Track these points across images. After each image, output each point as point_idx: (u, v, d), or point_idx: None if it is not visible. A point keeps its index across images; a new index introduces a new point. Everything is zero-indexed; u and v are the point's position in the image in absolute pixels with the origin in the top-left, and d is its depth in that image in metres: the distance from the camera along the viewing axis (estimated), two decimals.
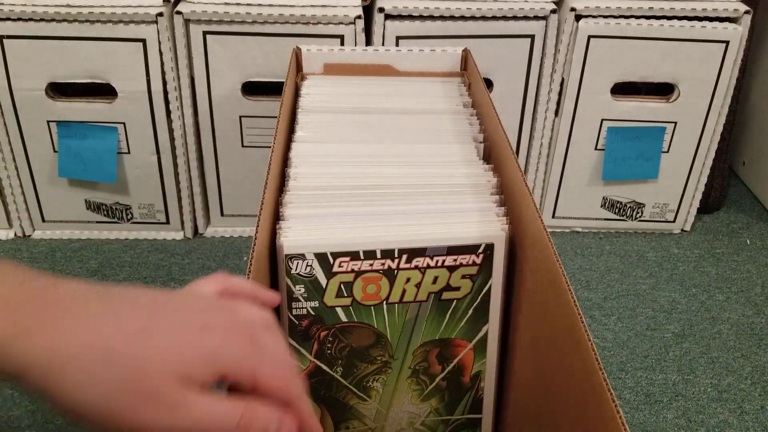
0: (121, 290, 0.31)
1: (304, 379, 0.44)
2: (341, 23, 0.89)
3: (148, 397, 0.28)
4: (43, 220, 1.03)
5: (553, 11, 0.93)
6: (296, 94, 0.69)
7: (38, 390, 0.27)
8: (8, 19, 0.87)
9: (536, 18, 0.93)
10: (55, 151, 0.96)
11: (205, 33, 0.89)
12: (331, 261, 0.48)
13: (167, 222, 1.04)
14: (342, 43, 0.91)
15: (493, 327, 0.53)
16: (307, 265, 0.48)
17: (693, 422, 0.77)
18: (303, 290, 0.49)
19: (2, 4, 0.86)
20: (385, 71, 0.73)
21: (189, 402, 0.29)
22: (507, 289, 0.53)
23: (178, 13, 0.88)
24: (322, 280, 0.49)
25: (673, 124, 1.00)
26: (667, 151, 1.03)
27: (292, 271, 0.48)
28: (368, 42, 0.93)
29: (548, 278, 0.43)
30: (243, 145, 0.98)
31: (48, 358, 0.27)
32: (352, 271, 0.49)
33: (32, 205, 1.02)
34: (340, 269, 0.49)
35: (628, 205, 1.08)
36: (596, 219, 1.09)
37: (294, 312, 0.50)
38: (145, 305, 0.31)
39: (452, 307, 0.51)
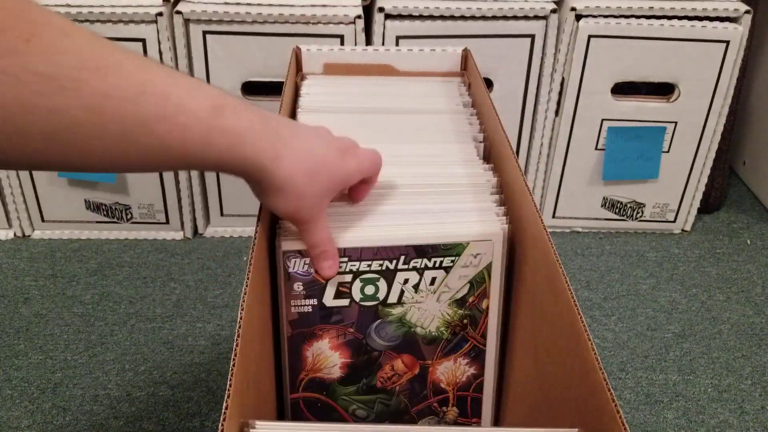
0: (307, 129, 0.44)
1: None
2: (341, 23, 0.89)
3: (323, 198, 0.43)
4: (43, 220, 1.03)
5: (554, 11, 0.93)
6: (296, 94, 0.69)
7: (270, 191, 0.41)
8: None
9: (536, 18, 0.93)
10: None
11: (204, 33, 0.89)
12: None
13: (167, 222, 1.04)
14: (342, 43, 0.91)
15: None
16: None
17: (693, 422, 0.77)
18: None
19: None
20: (385, 71, 0.73)
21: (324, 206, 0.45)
22: (507, 289, 0.53)
23: (178, 12, 0.88)
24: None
25: (674, 124, 1.00)
26: (668, 151, 1.02)
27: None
28: (368, 42, 0.93)
29: (548, 278, 0.43)
30: None
31: (286, 174, 0.40)
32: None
33: (32, 205, 1.02)
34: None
35: (629, 205, 1.07)
36: (596, 219, 1.09)
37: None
38: (325, 135, 0.45)
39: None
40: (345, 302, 0.50)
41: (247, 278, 0.40)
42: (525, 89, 0.99)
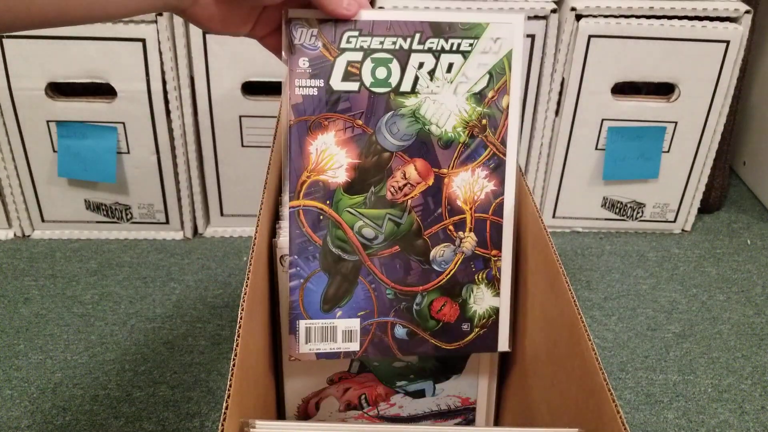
0: None
1: None
2: None
3: None
4: (43, 220, 1.03)
5: (554, 11, 0.92)
6: None
7: None
8: None
9: (536, 18, 0.93)
10: (54, 151, 0.96)
11: (204, 32, 0.89)
12: None
13: (167, 222, 1.04)
14: None
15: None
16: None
17: (693, 422, 0.77)
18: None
19: None
20: None
21: None
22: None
23: None
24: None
25: (674, 124, 1.00)
26: (668, 151, 1.02)
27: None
28: None
29: (548, 278, 0.43)
30: (243, 145, 0.98)
31: None
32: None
33: (32, 205, 1.02)
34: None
35: (629, 205, 1.07)
36: (596, 219, 1.09)
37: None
38: None
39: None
40: (354, 86, 0.46)
41: (247, 278, 0.40)
42: (525, 89, 0.99)
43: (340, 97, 0.45)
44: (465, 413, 0.57)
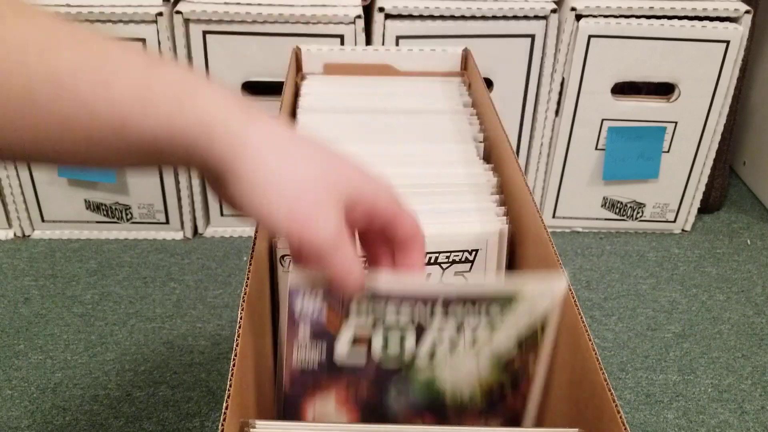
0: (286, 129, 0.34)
1: None
2: (341, 23, 0.89)
3: (324, 204, 0.31)
4: (43, 220, 1.03)
5: (554, 11, 0.92)
6: (296, 94, 0.69)
7: (246, 177, 0.30)
8: None
9: (536, 18, 0.93)
10: None
11: (204, 33, 0.89)
12: None
13: (167, 222, 1.04)
14: (342, 43, 0.91)
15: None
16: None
17: (693, 422, 0.77)
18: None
19: None
20: (385, 71, 0.73)
21: (345, 233, 0.32)
22: None
23: (178, 12, 0.88)
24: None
25: (674, 124, 1.00)
26: (668, 151, 1.02)
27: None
28: (368, 42, 0.93)
29: None
30: None
31: (270, 145, 0.30)
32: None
33: (32, 205, 1.02)
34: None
35: (629, 205, 1.07)
36: (596, 219, 1.09)
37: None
38: (305, 138, 0.34)
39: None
40: (361, 359, 0.40)
41: (247, 278, 0.40)
42: (525, 89, 0.99)
43: (344, 370, 0.39)
44: None
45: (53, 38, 0.26)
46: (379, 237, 0.36)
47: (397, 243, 0.36)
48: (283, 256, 0.48)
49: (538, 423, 0.47)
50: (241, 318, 0.37)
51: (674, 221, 1.09)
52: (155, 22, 0.87)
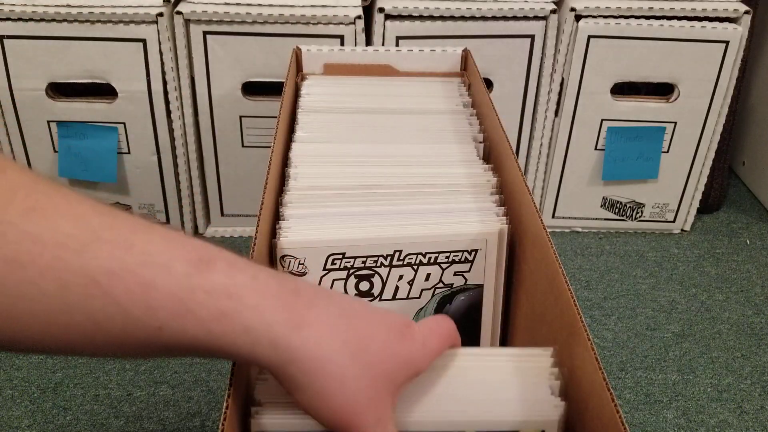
0: (342, 296, 0.33)
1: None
2: (341, 23, 0.89)
3: (376, 404, 0.30)
4: None
5: (553, 11, 0.93)
6: (296, 94, 0.69)
7: (295, 381, 0.28)
8: (8, 19, 0.87)
9: (536, 18, 0.93)
10: (55, 151, 0.96)
11: (205, 33, 0.89)
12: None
13: (167, 222, 1.04)
14: (342, 43, 0.91)
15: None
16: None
17: (693, 422, 0.77)
18: None
19: (2, 4, 0.86)
20: (385, 71, 0.73)
21: (389, 423, 0.31)
22: (507, 289, 0.53)
23: (178, 13, 0.88)
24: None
25: (673, 124, 1.00)
26: (667, 151, 1.03)
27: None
28: (368, 42, 0.93)
29: (548, 278, 0.43)
30: (243, 145, 0.98)
31: (317, 354, 0.28)
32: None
33: None
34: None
35: (628, 205, 1.08)
36: (596, 219, 1.09)
37: None
38: (367, 306, 0.33)
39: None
40: None
41: None
42: (525, 89, 0.99)
43: None
44: None
45: (92, 234, 0.25)
46: None
47: None
48: (283, 257, 0.48)
49: None
50: None
51: (674, 221, 1.09)
52: (155, 22, 0.87)
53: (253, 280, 0.28)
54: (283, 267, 0.48)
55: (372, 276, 0.49)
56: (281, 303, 0.28)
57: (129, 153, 0.97)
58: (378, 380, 0.30)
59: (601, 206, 1.08)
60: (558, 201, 1.08)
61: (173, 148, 0.97)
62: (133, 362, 0.83)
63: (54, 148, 0.96)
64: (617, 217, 1.09)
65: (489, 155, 0.60)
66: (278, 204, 0.52)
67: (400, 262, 0.49)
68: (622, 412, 0.32)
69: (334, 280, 0.49)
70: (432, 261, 0.49)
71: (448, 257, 0.49)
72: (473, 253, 0.50)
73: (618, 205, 1.08)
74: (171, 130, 0.96)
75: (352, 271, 0.49)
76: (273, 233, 0.49)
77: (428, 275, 0.50)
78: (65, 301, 0.25)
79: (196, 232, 1.07)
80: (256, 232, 0.44)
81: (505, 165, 0.55)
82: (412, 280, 0.50)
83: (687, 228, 1.11)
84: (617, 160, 1.02)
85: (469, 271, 0.50)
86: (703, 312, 0.94)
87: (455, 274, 0.50)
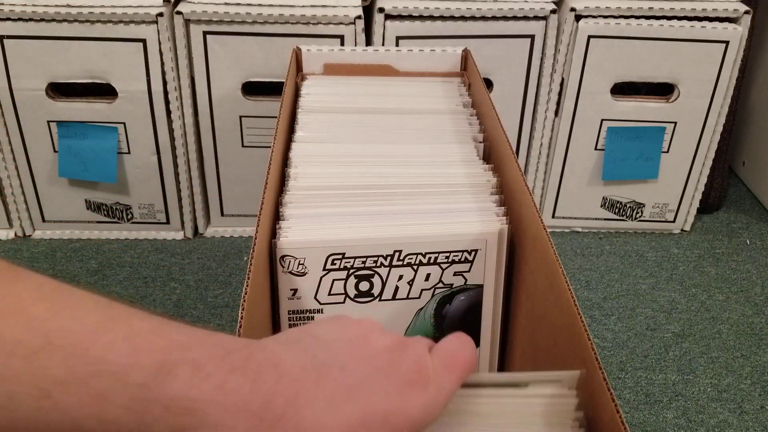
0: (341, 369, 0.28)
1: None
2: (341, 23, 0.89)
3: None
4: (44, 220, 1.03)
5: (553, 11, 0.93)
6: (296, 94, 0.69)
7: None
8: (8, 19, 0.87)
9: (536, 18, 0.93)
10: (55, 151, 0.96)
11: (205, 33, 0.89)
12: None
13: (167, 222, 1.04)
14: (342, 43, 0.91)
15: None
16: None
17: (693, 422, 0.77)
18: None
19: (2, 4, 0.86)
20: (385, 71, 0.73)
21: None
22: (507, 289, 0.53)
23: (178, 13, 0.88)
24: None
25: (673, 124, 1.00)
26: (667, 151, 1.03)
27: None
28: (368, 42, 0.93)
29: (548, 278, 0.43)
30: (243, 145, 0.98)
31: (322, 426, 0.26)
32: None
33: (32, 205, 1.02)
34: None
35: (628, 205, 1.08)
36: (596, 219, 1.09)
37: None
38: (367, 377, 0.28)
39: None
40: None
41: (247, 278, 0.40)
42: (525, 89, 0.99)
43: None
44: None
45: (44, 338, 0.23)
46: None
47: None
48: (283, 257, 0.48)
49: None
50: (241, 318, 0.37)
51: (673, 221, 1.09)
52: (155, 22, 0.87)
53: (218, 390, 0.25)
54: (283, 267, 0.48)
55: (372, 276, 0.49)
56: (249, 417, 0.25)
57: (129, 153, 0.97)
58: None
59: (601, 206, 1.08)
60: (558, 201, 1.08)
61: (173, 148, 0.97)
62: None
63: (54, 148, 0.96)
64: (617, 217, 1.09)
65: (489, 155, 0.60)
66: (278, 204, 0.52)
67: (400, 262, 0.49)
68: (622, 412, 0.32)
69: (333, 280, 0.49)
70: (432, 261, 0.50)
71: (447, 257, 0.50)
72: (473, 253, 0.50)
73: (618, 205, 1.08)
74: (171, 130, 0.96)
75: (351, 271, 0.49)
76: (273, 233, 0.49)
77: (428, 275, 0.50)
78: (14, 414, 0.23)
79: (196, 232, 1.07)
80: (256, 232, 0.44)
81: (505, 165, 0.55)
82: (412, 280, 0.50)
83: (687, 228, 1.11)
84: (617, 160, 1.02)
85: (469, 272, 0.50)
86: (703, 312, 0.94)
87: (455, 274, 0.50)
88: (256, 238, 0.44)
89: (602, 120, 1.00)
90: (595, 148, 1.02)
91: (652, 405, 0.79)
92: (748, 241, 1.09)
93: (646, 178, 1.05)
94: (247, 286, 0.39)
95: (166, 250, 1.03)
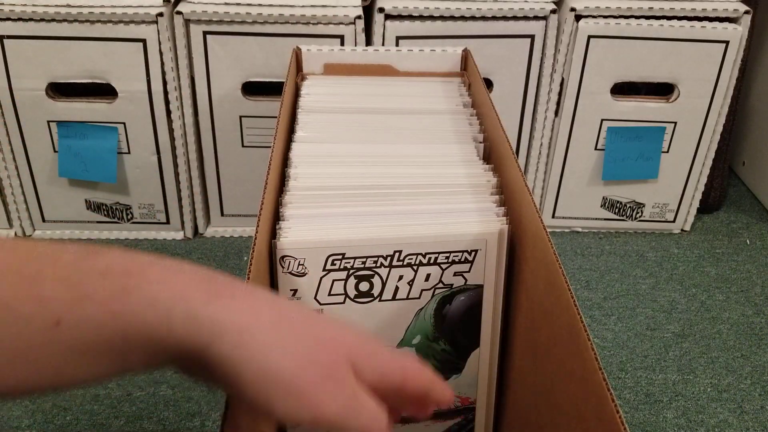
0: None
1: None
2: (341, 23, 0.89)
3: (329, 374, 0.28)
4: (44, 220, 1.03)
5: (553, 11, 0.93)
6: (296, 94, 0.69)
7: (229, 365, 0.25)
8: (8, 19, 0.87)
9: (536, 18, 0.93)
10: (55, 151, 0.96)
11: (205, 33, 0.89)
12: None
13: (167, 222, 1.04)
14: (342, 43, 0.91)
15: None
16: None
17: (693, 422, 0.77)
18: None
19: (2, 4, 0.86)
20: (385, 71, 0.73)
21: (359, 392, 0.29)
22: (507, 288, 0.53)
23: (178, 13, 0.88)
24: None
25: (673, 124, 1.00)
26: (667, 151, 1.03)
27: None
28: (368, 42, 0.93)
29: (548, 278, 0.43)
30: (243, 145, 0.98)
31: (244, 323, 0.26)
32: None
33: (32, 205, 1.02)
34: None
35: (628, 205, 1.08)
36: (596, 219, 1.09)
37: None
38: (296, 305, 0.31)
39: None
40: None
41: (247, 278, 0.40)
42: (525, 89, 0.99)
43: None
44: (465, 413, 0.57)
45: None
46: (389, 393, 0.32)
47: (409, 396, 0.32)
48: (282, 257, 0.48)
49: (538, 420, 0.47)
50: None
51: (673, 221, 1.09)
52: (155, 22, 0.87)
53: (156, 260, 0.26)
54: (283, 267, 0.48)
55: (372, 276, 0.49)
56: (193, 279, 0.26)
57: (129, 153, 0.97)
58: (326, 355, 0.28)
59: (601, 206, 1.08)
60: (558, 201, 1.08)
61: (173, 148, 0.97)
62: None
63: (54, 148, 0.96)
64: (617, 217, 1.09)
65: (489, 155, 0.61)
66: (278, 204, 0.52)
67: (400, 263, 0.49)
68: (622, 412, 0.32)
69: (333, 280, 0.49)
70: (432, 261, 0.50)
71: (448, 257, 0.50)
72: (473, 253, 0.50)
73: (618, 205, 1.08)
74: (171, 130, 0.96)
75: (351, 271, 0.49)
76: (273, 233, 0.49)
77: (428, 275, 0.50)
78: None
79: (196, 232, 1.07)
80: (256, 232, 0.44)
81: (505, 165, 0.55)
82: (412, 280, 0.50)
83: (687, 228, 1.11)
84: (617, 160, 1.02)
85: (469, 272, 0.50)
86: (703, 312, 0.94)
87: (455, 274, 0.50)
88: (256, 239, 0.44)
89: (602, 120, 1.00)
90: (595, 148, 1.02)
91: (652, 405, 0.79)
92: (748, 241, 1.09)
93: (646, 178, 1.05)
94: None
95: (166, 250, 1.03)
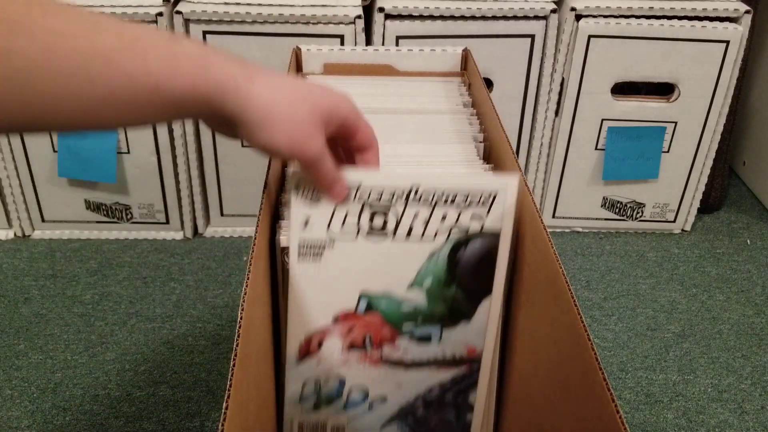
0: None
1: None
2: (341, 23, 0.89)
3: (314, 124, 0.40)
4: (43, 220, 1.03)
5: (553, 11, 0.93)
6: None
7: (253, 123, 0.38)
8: None
9: (536, 18, 0.93)
10: (54, 151, 0.96)
11: (204, 33, 0.89)
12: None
13: (167, 222, 1.04)
14: (342, 43, 0.91)
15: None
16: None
17: (693, 422, 0.77)
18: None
19: None
20: (385, 71, 0.73)
21: (325, 145, 0.42)
22: (507, 289, 0.53)
23: (178, 12, 0.88)
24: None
25: (674, 124, 1.00)
26: (668, 151, 1.02)
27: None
28: (368, 42, 0.93)
29: (548, 278, 0.43)
30: (243, 145, 0.98)
31: (268, 98, 0.39)
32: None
33: (32, 205, 1.02)
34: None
35: (629, 205, 1.08)
36: (596, 219, 1.09)
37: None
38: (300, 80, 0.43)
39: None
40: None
41: (247, 278, 0.40)
42: (525, 89, 0.99)
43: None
44: (470, 363, 0.56)
45: (94, 26, 0.33)
46: (341, 143, 0.46)
47: (356, 147, 0.46)
48: (284, 248, 0.48)
49: (538, 419, 0.47)
50: (241, 318, 0.37)
51: (674, 221, 1.09)
52: (155, 22, 0.87)
53: (215, 49, 0.39)
54: (286, 263, 0.48)
55: (387, 210, 0.49)
56: (241, 65, 0.39)
57: (128, 153, 0.97)
58: (316, 118, 0.40)
59: (602, 206, 1.08)
60: (558, 201, 1.08)
61: (173, 148, 0.97)
62: (132, 363, 0.83)
63: (54, 148, 0.96)
64: (617, 217, 1.09)
65: (489, 155, 0.60)
66: (278, 204, 0.52)
67: (417, 199, 0.48)
68: (622, 412, 0.32)
69: (348, 211, 0.48)
70: (450, 200, 0.49)
71: (466, 198, 0.48)
72: (492, 196, 0.48)
73: (618, 205, 1.07)
74: (170, 130, 0.96)
75: (367, 203, 0.48)
76: (273, 233, 0.49)
77: (445, 215, 0.49)
78: (88, 78, 0.32)
79: (195, 232, 1.07)
80: (256, 231, 0.44)
81: (505, 165, 0.55)
82: (428, 219, 0.49)
83: (687, 228, 1.10)
84: (617, 160, 1.02)
85: (487, 215, 0.49)
86: (704, 312, 0.94)
87: (472, 217, 0.49)
88: (255, 238, 0.44)
89: (602, 120, 1.00)
90: (596, 148, 1.02)
91: (652, 405, 0.79)
92: (748, 241, 1.09)
93: (646, 178, 1.05)
94: (247, 286, 0.39)
95: (165, 250, 1.03)
